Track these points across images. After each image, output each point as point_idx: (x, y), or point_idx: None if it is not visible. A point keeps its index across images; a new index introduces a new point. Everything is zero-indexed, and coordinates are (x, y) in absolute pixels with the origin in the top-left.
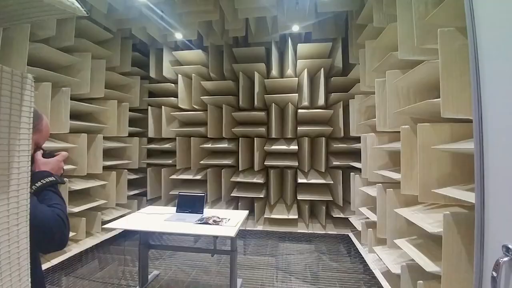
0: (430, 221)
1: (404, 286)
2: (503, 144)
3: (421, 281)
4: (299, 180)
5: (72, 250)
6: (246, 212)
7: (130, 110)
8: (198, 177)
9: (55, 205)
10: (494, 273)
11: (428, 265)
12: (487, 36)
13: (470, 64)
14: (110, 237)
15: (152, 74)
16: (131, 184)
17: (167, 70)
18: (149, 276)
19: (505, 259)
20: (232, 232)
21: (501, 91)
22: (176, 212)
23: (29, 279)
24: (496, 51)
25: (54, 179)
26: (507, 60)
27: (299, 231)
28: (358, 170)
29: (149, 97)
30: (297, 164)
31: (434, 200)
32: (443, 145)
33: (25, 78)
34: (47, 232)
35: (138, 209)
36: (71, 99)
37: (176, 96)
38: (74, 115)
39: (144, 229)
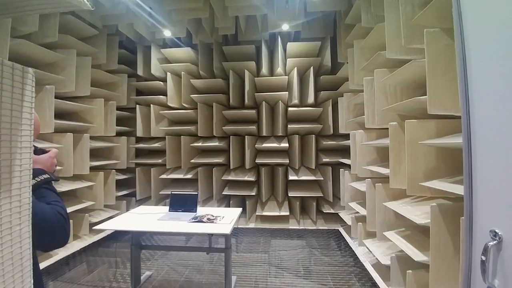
0: (418, 213)
1: (394, 276)
2: (489, 137)
3: (410, 271)
4: (290, 177)
5: (59, 254)
6: (240, 209)
7: (117, 109)
8: (189, 176)
9: (53, 202)
10: (483, 257)
11: (417, 255)
12: (474, 34)
13: (457, 62)
14: (99, 239)
15: (140, 72)
16: (120, 184)
17: (156, 68)
18: (142, 277)
19: (493, 243)
20: (227, 229)
21: (487, 87)
22: (169, 211)
23: (32, 280)
24: (482, 49)
25: (48, 176)
26: (493, 58)
27: (290, 227)
28: (347, 166)
29: (137, 96)
30: (287, 161)
31: (421, 193)
32: (429, 140)
33: (26, 72)
34: (48, 230)
35: (127, 210)
36: (55, 98)
37: (165, 94)
38: (59, 114)
39: (137, 229)
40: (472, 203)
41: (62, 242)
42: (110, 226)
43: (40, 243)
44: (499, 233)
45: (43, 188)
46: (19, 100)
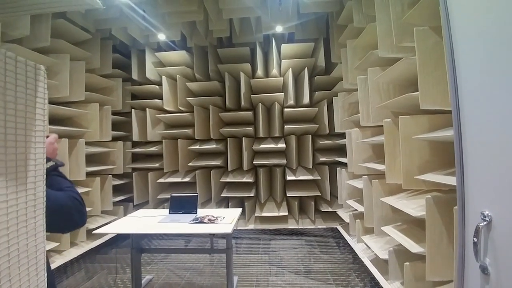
0: (414, 206)
1: (392, 269)
2: (477, 127)
3: (407, 263)
4: (288, 178)
5: (56, 261)
6: (240, 210)
7: (112, 114)
8: (187, 179)
9: (66, 188)
10: (474, 239)
11: (413, 247)
12: (461, 32)
13: (446, 59)
14: (97, 246)
15: (135, 76)
16: (116, 190)
17: (150, 71)
18: (142, 281)
19: (484, 223)
20: (228, 229)
21: (475, 82)
22: (169, 213)
23: (46, 274)
24: (469, 45)
25: (54, 163)
26: (480, 54)
27: (289, 227)
28: (344, 164)
29: (132, 100)
30: (285, 162)
31: (416, 186)
32: (423, 134)
33: (38, 69)
34: (66, 215)
35: (125, 215)
36: (49, 103)
37: (160, 98)
38: (53, 120)
39: (138, 232)
40: (463, 188)
41: (81, 223)
42: (111, 229)
43: (59, 227)
44: (489, 214)
45: (52, 176)
46: (32, 96)
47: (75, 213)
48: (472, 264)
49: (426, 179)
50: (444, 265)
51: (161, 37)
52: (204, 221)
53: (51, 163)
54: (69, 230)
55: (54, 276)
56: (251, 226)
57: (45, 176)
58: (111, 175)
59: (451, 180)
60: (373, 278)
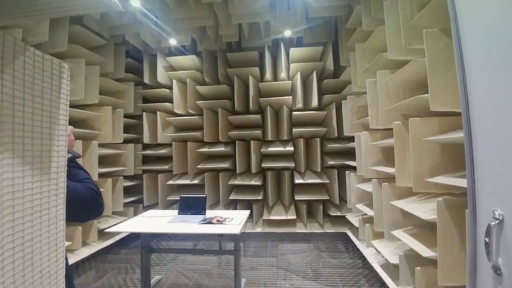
0: (425, 210)
1: (403, 274)
2: (487, 127)
3: (418, 268)
4: (296, 181)
5: (68, 260)
6: (248, 211)
7: (124, 117)
8: (196, 181)
9: (84, 180)
10: (486, 239)
11: (425, 251)
12: (470, 33)
13: (456, 61)
14: (107, 246)
15: (146, 80)
16: (127, 191)
17: (161, 75)
18: (151, 281)
19: (495, 222)
20: (237, 230)
21: (485, 84)
22: (178, 214)
23: (64, 262)
24: (478, 47)
25: (72, 154)
26: (489, 55)
27: (298, 231)
28: (353, 168)
29: (143, 103)
30: (293, 165)
31: (427, 189)
32: (433, 137)
33: (62, 67)
34: (84, 205)
35: (135, 216)
36: None
37: (170, 101)
38: (69, 122)
39: (149, 231)
40: (474, 187)
41: (98, 213)
42: (122, 228)
43: (78, 217)
44: (500, 213)
45: (70, 167)
46: (57, 92)
47: (92, 204)
48: (484, 264)
49: (437, 182)
50: (457, 270)
51: (172, 42)
52: (213, 222)
53: (69, 155)
54: (87, 220)
55: (69, 266)
56: (259, 229)
57: (66, 167)
58: (122, 177)
59: (463, 183)
60: (383, 284)
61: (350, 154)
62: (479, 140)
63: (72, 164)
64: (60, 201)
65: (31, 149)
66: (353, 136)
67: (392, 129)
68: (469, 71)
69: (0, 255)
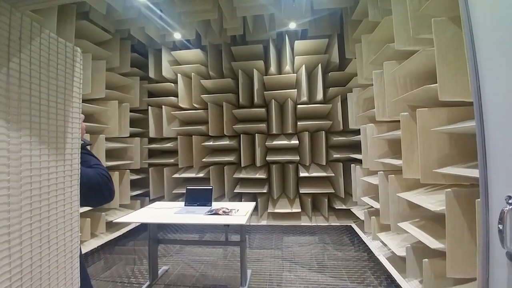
0: (432, 201)
1: (410, 266)
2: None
3: (426, 259)
4: (301, 174)
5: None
6: (254, 203)
7: (130, 111)
8: (201, 175)
9: (95, 166)
10: (500, 226)
11: (433, 243)
12: (482, 21)
13: (466, 48)
14: (115, 238)
15: (151, 74)
16: (134, 184)
17: (166, 70)
18: (159, 272)
19: (509, 207)
20: (243, 220)
21: (496, 71)
22: (185, 205)
23: (79, 241)
24: (490, 34)
25: (83, 142)
26: (502, 42)
27: (302, 224)
28: (358, 161)
29: (148, 97)
30: (298, 158)
31: (435, 180)
32: (441, 127)
33: (75, 51)
34: (97, 190)
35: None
36: None
37: (176, 95)
38: None
39: (156, 221)
40: (486, 173)
41: (109, 198)
42: (130, 219)
43: (90, 201)
44: None
45: (82, 154)
46: (70, 75)
47: (104, 189)
48: (497, 251)
49: (446, 173)
50: (466, 262)
51: (177, 36)
52: (219, 213)
53: (80, 142)
54: (99, 204)
55: (82, 255)
56: (263, 222)
57: (80, 150)
58: (128, 170)
59: (473, 173)
60: (389, 276)
61: (356, 147)
62: (491, 125)
63: (83, 151)
64: (75, 182)
65: (47, 129)
66: (359, 129)
67: (398, 121)
68: (481, 58)
69: (18, 230)
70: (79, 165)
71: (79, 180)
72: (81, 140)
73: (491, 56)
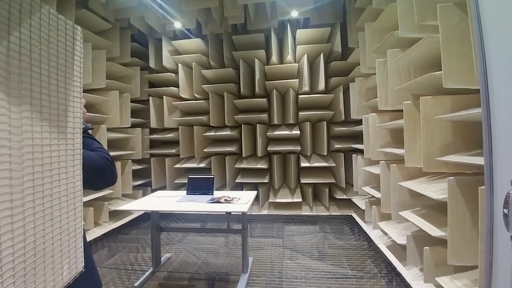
0: (434, 190)
1: (410, 254)
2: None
3: (427, 247)
4: (302, 164)
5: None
6: (255, 192)
7: (131, 101)
8: (202, 165)
9: (97, 149)
10: (505, 210)
11: (434, 231)
12: (489, 6)
13: (473, 34)
14: (118, 226)
15: (152, 64)
16: (135, 174)
17: (167, 60)
18: (162, 259)
19: None
20: (245, 208)
21: (505, 58)
22: (187, 194)
23: (82, 221)
24: (498, 19)
25: (84, 125)
26: (510, 29)
27: (303, 213)
28: (360, 152)
29: (149, 88)
30: (299, 148)
31: (437, 169)
32: (445, 115)
33: (76, 29)
34: (99, 173)
35: None
36: None
37: (176, 85)
38: None
39: (159, 209)
40: (492, 157)
41: (112, 182)
42: (133, 207)
43: (93, 184)
44: None
45: (83, 138)
46: (71, 53)
47: (107, 171)
48: (501, 236)
49: (449, 160)
50: (467, 250)
51: (177, 25)
52: (221, 201)
53: (82, 126)
54: (102, 187)
55: (87, 242)
56: (265, 212)
57: (81, 130)
58: (130, 160)
59: (476, 160)
60: (389, 264)
61: (357, 137)
62: (497, 109)
63: (85, 135)
64: (77, 162)
65: (48, 106)
66: (361, 120)
67: (401, 111)
68: (488, 44)
69: (21, 206)
70: (81, 145)
71: (82, 162)
72: (83, 124)
73: (499, 41)
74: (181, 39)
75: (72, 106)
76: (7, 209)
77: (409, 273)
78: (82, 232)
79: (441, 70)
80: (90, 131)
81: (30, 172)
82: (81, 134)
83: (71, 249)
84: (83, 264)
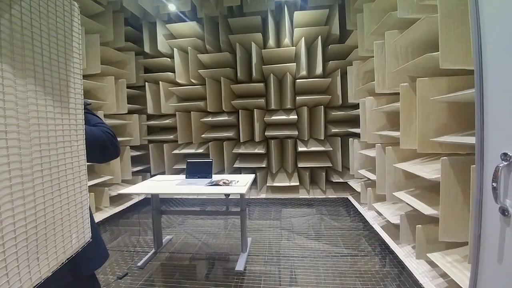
0: (428, 170)
1: (403, 233)
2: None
3: (419, 225)
4: (299, 149)
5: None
6: (253, 175)
7: (127, 87)
8: (200, 150)
9: (98, 124)
10: (494, 183)
11: (426, 209)
12: None
13: (470, 13)
14: (119, 211)
15: (147, 49)
16: (134, 160)
17: (162, 44)
18: (163, 240)
19: (504, 163)
20: (243, 190)
21: (499, 37)
22: (186, 178)
23: (87, 194)
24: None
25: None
26: (506, 10)
27: (300, 197)
28: (357, 136)
29: (145, 73)
30: (296, 133)
31: (432, 149)
32: (441, 96)
33: (73, 5)
34: (103, 147)
35: None
36: None
37: (173, 71)
38: None
39: (159, 192)
40: (483, 133)
41: (115, 154)
42: (134, 190)
43: (97, 157)
44: (510, 155)
45: (84, 113)
46: (69, 29)
47: (109, 145)
48: (490, 207)
49: (443, 141)
50: (458, 227)
51: (171, 7)
52: (219, 184)
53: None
54: (106, 160)
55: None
56: (263, 195)
57: (83, 106)
58: (128, 147)
59: (469, 140)
60: (383, 242)
61: (354, 122)
62: (489, 86)
63: (85, 111)
64: (80, 137)
65: (51, 80)
66: (357, 104)
67: (397, 94)
68: (484, 23)
69: (30, 174)
70: (83, 121)
71: (85, 136)
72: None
73: (494, 21)
74: (176, 23)
75: (73, 82)
76: (18, 177)
77: (401, 251)
78: (88, 205)
79: (438, 52)
80: (89, 107)
81: (37, 143)
82: (83, 110)
83: (79, 219)
84: (90, 235)
